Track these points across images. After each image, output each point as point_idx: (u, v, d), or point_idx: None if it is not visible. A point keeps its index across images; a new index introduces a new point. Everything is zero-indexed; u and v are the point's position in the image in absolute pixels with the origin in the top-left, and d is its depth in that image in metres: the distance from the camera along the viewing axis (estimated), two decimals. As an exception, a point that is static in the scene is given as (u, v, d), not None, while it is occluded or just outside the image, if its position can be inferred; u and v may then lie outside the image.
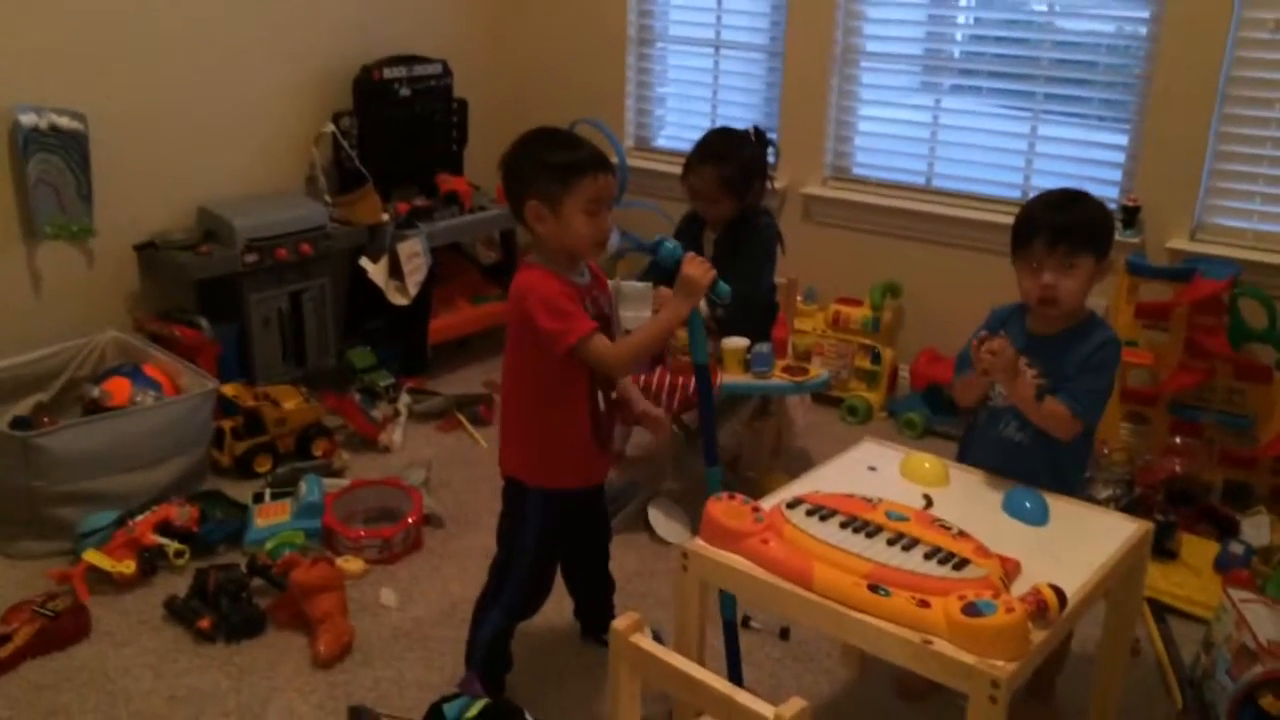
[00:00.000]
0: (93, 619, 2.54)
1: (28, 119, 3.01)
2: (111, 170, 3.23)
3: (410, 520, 2.88)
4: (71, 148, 3.13)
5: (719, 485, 2.09)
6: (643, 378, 2.79)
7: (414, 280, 3.71)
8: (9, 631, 2.42)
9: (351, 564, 2.76)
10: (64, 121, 3.09)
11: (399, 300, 3.70)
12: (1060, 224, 2.08)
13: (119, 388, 3.03)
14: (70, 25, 3.09)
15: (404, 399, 3.62)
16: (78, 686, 2.36)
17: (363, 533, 2.83)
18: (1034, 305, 2.13)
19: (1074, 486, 2.16)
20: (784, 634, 2.55)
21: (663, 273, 3.13)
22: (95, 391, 3.01)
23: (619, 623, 1.63)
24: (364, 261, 3.68)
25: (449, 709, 1.90)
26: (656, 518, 2.97)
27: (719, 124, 3.14)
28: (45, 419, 3.01)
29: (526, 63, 4.44)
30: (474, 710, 1.88)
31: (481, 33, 4.31)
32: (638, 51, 4.25)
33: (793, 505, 1.88)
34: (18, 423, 2.93)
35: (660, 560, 2.89)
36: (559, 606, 2.51)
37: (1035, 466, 2.10)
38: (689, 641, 1.89)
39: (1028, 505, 1.98)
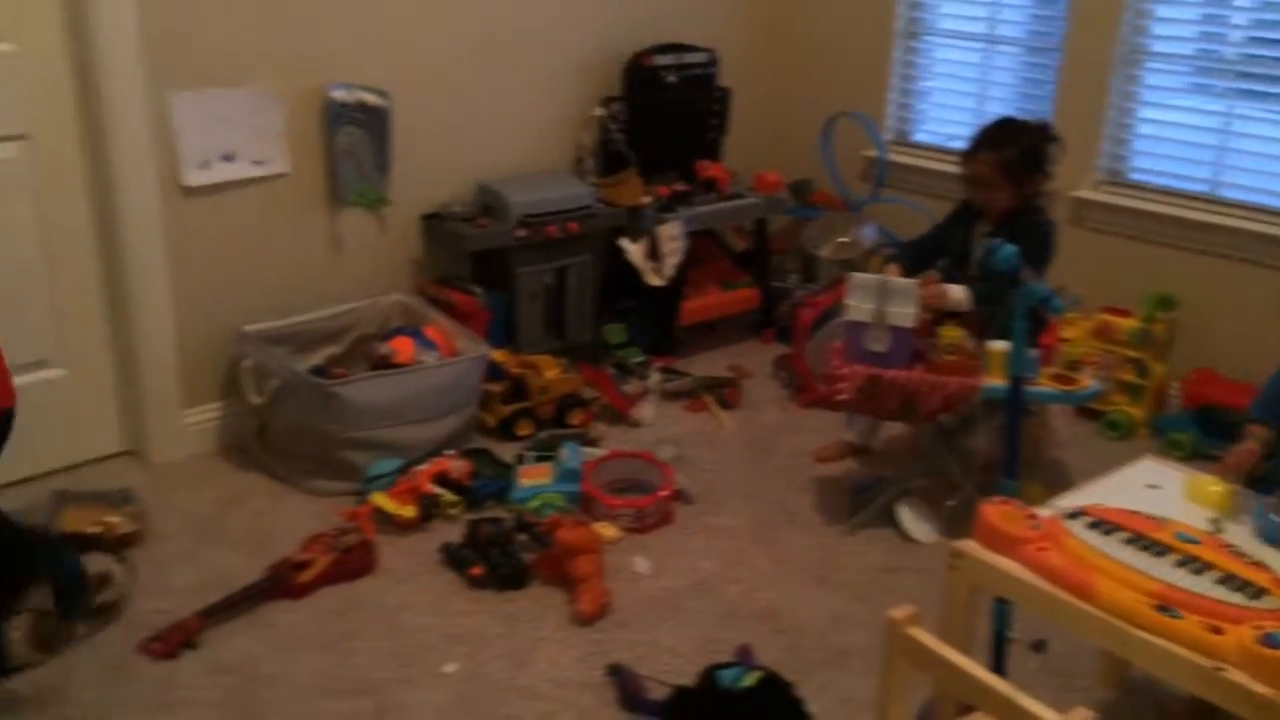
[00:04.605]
0: (378, 556, 2.79)
1: (339, 95, 3.29)
2: (406, 144, 3.48)
3: (664, 494, 3.00)
4: (374, 123, 3.39)
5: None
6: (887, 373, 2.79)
7: (670, 263, 3.83)
8: (309, 559, 2.69)
9: (607, 530, 2.90)
10: (370, 98, 3.36)
11: (655, 281, 3.83)
12: None
13: (404, 346, 3.29)
14: (380, 12, 3.35)
15: (654, 377, 3.75)
16: (366, 615, 2.59)
17: (619, 501, 2.97)
18: None
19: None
20: (1038, 647, 2.50)
21: (912, 259, 3.14)
22: (384, 349, 3.27)
23: (896, 613, 1.67)
24: (623, 242, 3.82)
25: (724, 675, 1.98)
26: (905, 515, 2.98)
27: (984, 120, 3.09)
28: (337, 370, 3.31)
29: (790, 53, 4.48)
30: (750, 679, 1.95)
31: (749, 23, 4.38)
32: (904, 45, 4.22)
33: (1073, 516, 1.87)
34: (314, 372, 3.23)
35: (906, 557, 2.90)
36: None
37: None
38: (954, 641, 1.90)
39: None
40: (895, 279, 2.81)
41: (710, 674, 2.07)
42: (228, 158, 3.11)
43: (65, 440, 3.12)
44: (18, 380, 2.97)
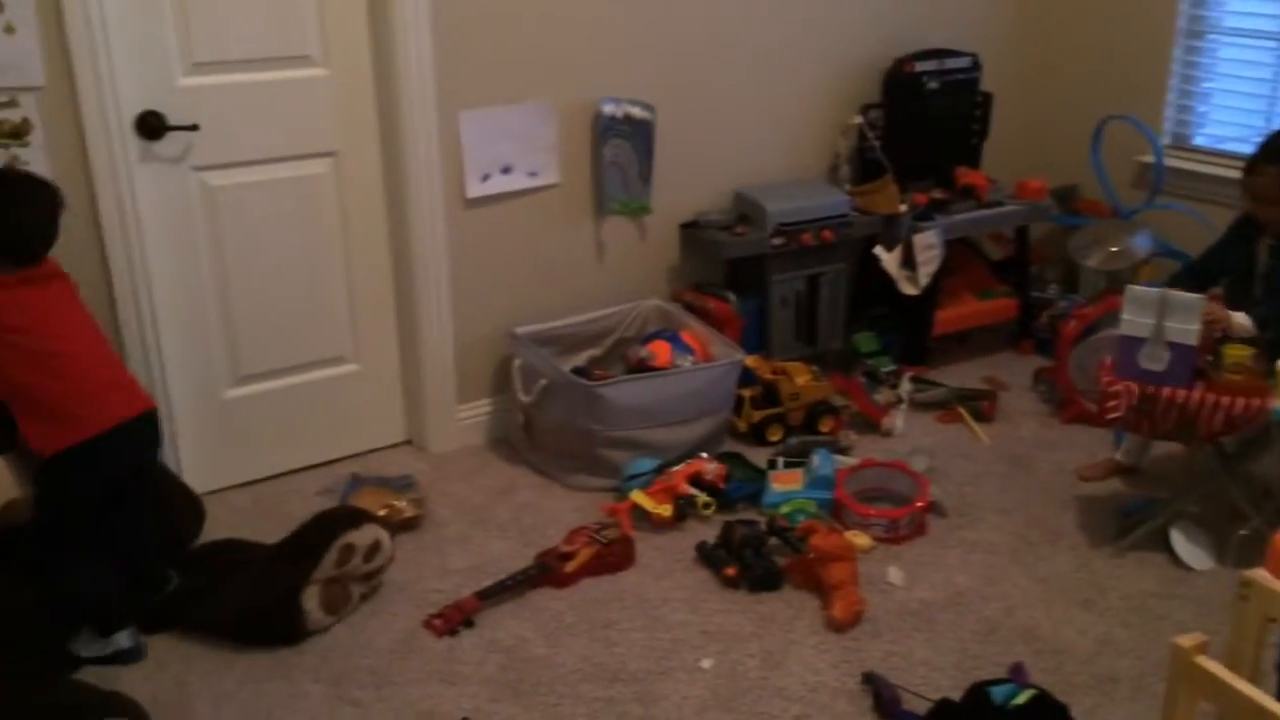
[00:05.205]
0: (636, 551, 2.90)
1: (608, 109, 3.44)
2: (667, 154, 3.60)
3: (919, 505, 2.98)
4: (640, 135, 3.53)
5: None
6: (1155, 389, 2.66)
7: (925, 271, 3.78)
8: (572, 550, 2.83)
9: (859, 539, 2.90)
10: (636, 111, 3.49)
11: (909, 290, 3.79)
12: None
13: (661, 350, 3.40)
14: (646, 29, 3.48)
15: (906, 386, 3.71)
16: (625, 607, 2.71)
17: (873, 511, 2.97)
18: None
19: None
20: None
21: (1193, 281, 2.97)
22: (643, 352, 3.39)
23: (1183, 641, 1.61)
24: (878, 250, 3.80)
25: (995, 692, 1.97)
26: (1179, 540, 2.83)
27: (1274, 125, 2.88)
28: (597, 371, 3.46)
29: (1057, 56, 4.32)
30: (1022, 698, 1.93)
31: (1013, 25, 4.26)
32: (1185, 44, 3.99)
33: (1384, 551, 1.74)
34: (575, 373, 3.39)
35: (1178, 584, 2.76)
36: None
37: None
38: (1242, 672, 1.81)
39: None
40: (1178, 293, 2.67)
41: (981, 689, 2.04)
42: (506, 170, 3.32)
43: (356, 429, 3.41)
44: (321, 374, 3.33)
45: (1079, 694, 2.36)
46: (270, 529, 2.91)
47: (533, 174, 3.38)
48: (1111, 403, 2.72)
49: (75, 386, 2.36)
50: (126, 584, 2.56)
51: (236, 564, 2.69)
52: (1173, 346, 2.65)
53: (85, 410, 2.36)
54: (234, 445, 3.19)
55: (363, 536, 2.62)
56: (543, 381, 3.23)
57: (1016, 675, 2.16)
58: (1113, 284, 3.87)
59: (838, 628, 2.58)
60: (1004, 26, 4.23)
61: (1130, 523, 2.93)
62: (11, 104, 2.59)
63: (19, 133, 2.61)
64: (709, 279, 3.77)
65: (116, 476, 2.48)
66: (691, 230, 3.72)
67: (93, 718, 2.09)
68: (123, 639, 2.50)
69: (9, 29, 2.53)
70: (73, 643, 2.48)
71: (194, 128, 2.85)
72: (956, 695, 2.24)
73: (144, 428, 2.50)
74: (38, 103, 2.62)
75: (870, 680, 2.38)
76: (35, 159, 2.64)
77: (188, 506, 2.89)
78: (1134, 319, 2.68)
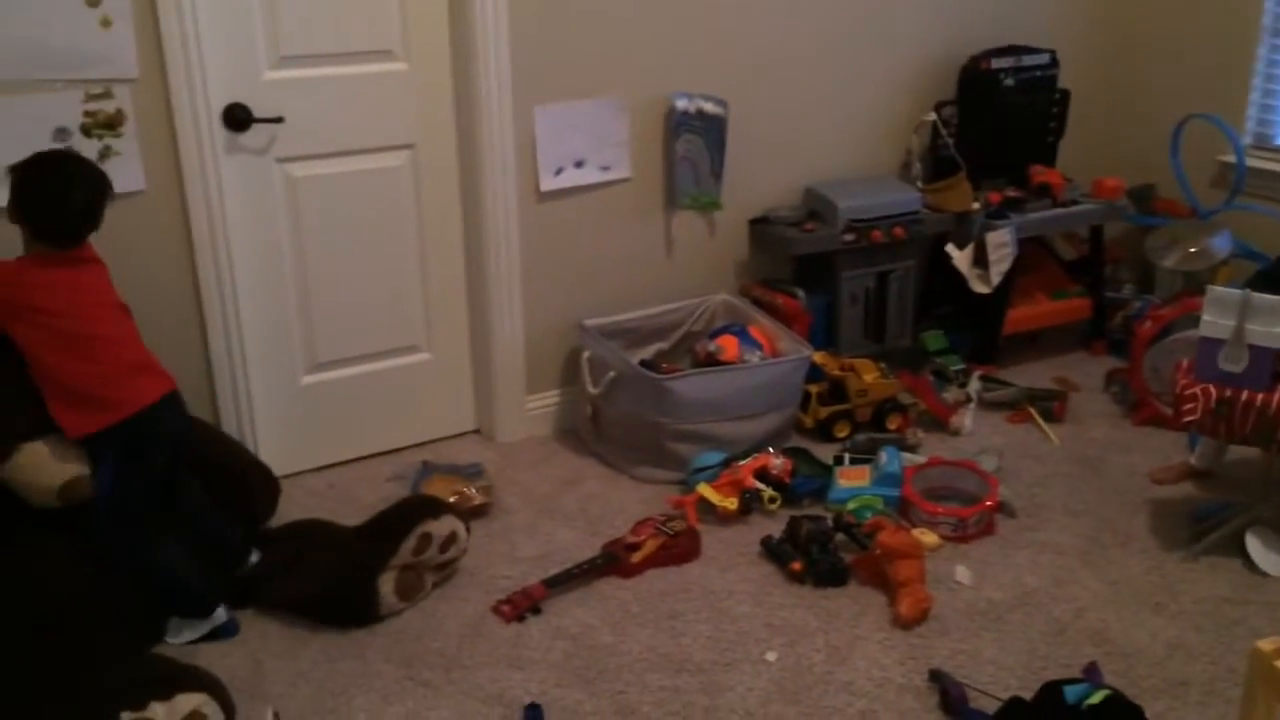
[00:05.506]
0: (702, 544, 2.92)
1: (681, 104, 3.46)
2: (738, 149, 3.60)
3: (987, 504, 2.96)
4: (711, 130, 3.54)
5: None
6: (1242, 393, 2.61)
7: (997, 270, 3.74)
8: (639, 541, 2.86)
9: (927, 537, 2.89)
10: (709, 107, 3.51)
11: (980, 289, 3.76)
12: None
13: (729, 344, 3.42)
14: (719, 25, 3.49)
15: (975, 385, 3.68)
16: (690, 599, 2.73)
17: (941, 509, 2.96)
18: None
19: None
20: None
21: (1273, 284, 2.91)
22: (711, 346, 3.41)
23: (1264, 645, 1.60)
24: (950, 248, 3.77)
25: (1069, 692, 1.96)
26: (1255, 546, 2.78)
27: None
28: (665, 365, 3.49)
29: (1137, 53, 4.25)
30: (1096, 698, 1.92)
31: (1093, 21, 4.19)
32: (1270, 42, 3.90)
33: None
34: (643, 365, 3.42)
35: (1253, 590, 2.72)
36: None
37: None
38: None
39: None
40: (1262, 295, 2.63)
41: (1054, 688, 2.03)
42: (578, 164, 3.35)
43: (426, 417, 3.48)
44: (394, 362, 3.39)
45: (1149, 698, 2.33)
46: (343, 513, 2.98)
47: (605, 168, 3.41)
48: (1188, 405, 2.69)
49: (106, 369, 2.39)
50: (206, 563, 2.62)
51: (317, 544, 2.75)
52: (1253, 349, 2.60)
53: (115, 394, 2.39)
54: (309, 430, 3.27)
55: (441, 527, 2.67)
56: (611, 374, 3.27)
57: (1090, 675, 2.15)
58: (1190, 285, 3.81)
59: (904, 625, 2.58)
60: (1084, 23, 4.17)
61: (1204, 527, 2.89)
62: (106, 95, 2.68)
63: (113, 123, 2.70)
64: (777, 274, 3.77)
65: (152, 457, 2.49)
66: (761, 226, 3.73)
67: (174, 691, 2.13)
68: (220, 614, 2.57)
69: (106, 22, 2.62)
70: (167, 632, 2.56)
71: (279, 120, 2.93)
72: (1025, 695, 2.23)
73: (169, 407, 2.50)
74: (131, 94, 2.71)
75: (937, 678, 2.38)
76: (128, 149, 2.73)
77: (261, 482, 2.95)
78: (1215, 320, 2.64)
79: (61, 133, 2.65)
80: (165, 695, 2.11)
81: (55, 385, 2.37)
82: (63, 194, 2.36)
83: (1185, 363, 2.82)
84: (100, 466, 2.42)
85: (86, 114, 2.67)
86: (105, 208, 2.45)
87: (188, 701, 2.13)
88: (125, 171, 2.73)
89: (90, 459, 2.41)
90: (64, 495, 2.40)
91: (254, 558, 2.75)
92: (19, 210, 2.36)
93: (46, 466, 2.38)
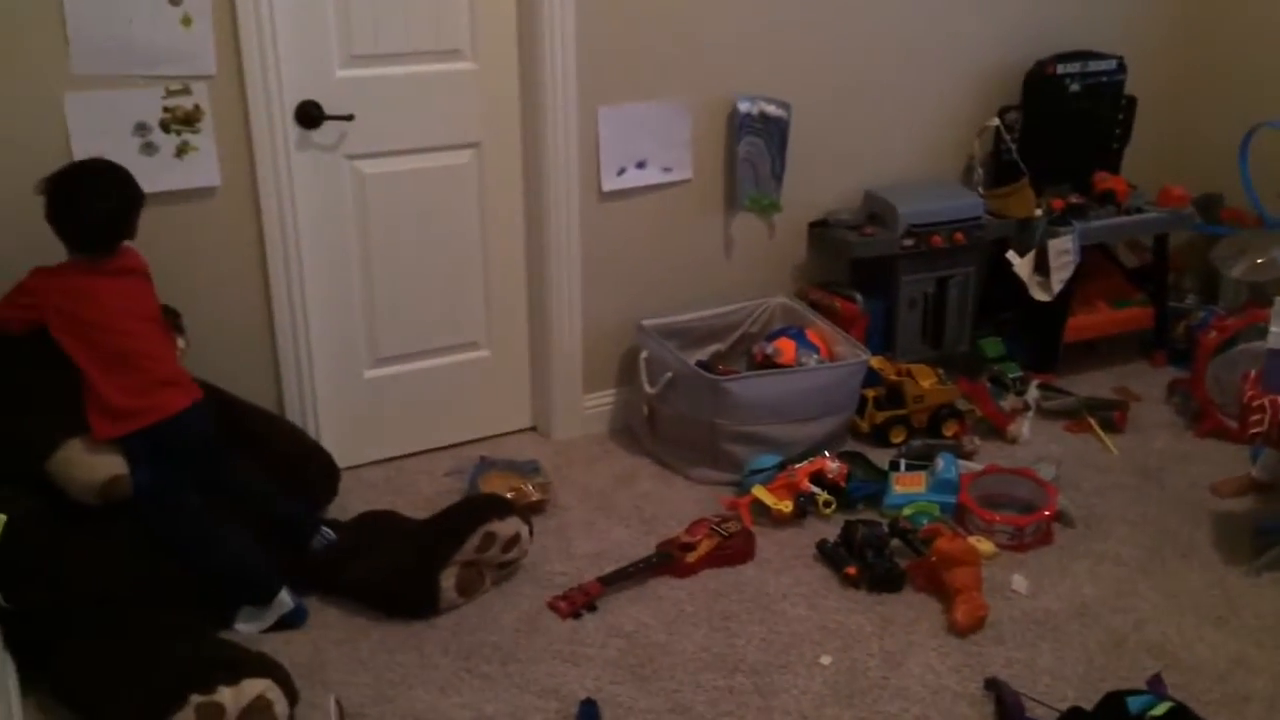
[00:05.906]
0: (756, 546, 2.93)
1: (744, 106, 3.47)
2: (799, 152, 3.60)
3: (1045, 513, 2.94)
4: (773, 132, 3.54)
5: None
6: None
7: (1059, 277, 3.71)
8: (694, 541, 2.88)
9: (983, 545, 2.88)
10: (771, 109, 3.51)
11: (1041, 296, 3.73)
12: None
13: (786, 347, 3.42)
14: (783, 27, 3.49)
15: (1033, 393, 3.65)
16: (744, 600, 2.75)
17: (998, 517, 2.95)
18: None
19: None
20: None
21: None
22: (769, 348, 3.42)
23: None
24: (1011, 254, 3.75)
25: (1132, 702, 1.95)
26: (1320, 562, 2.75)
27: None
28: (721, 366, 3.50)
29: (1206, 59, 4.19)
30: (1160, 710, 1.90)
31: (1161, 28, 4.14)
32: (1344, 49, 3.84)
33: None
34: (699, 366, 3.43)
35: (1319, 608, 2.68)
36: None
37: None
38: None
39: None
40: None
41: (1117, 698, 2.02)
42: (641, 165, 3.38)
43: (485, 413, 3.52)
44: (454, 359, 3.44)
45: (1209, 711, 2.30)
46: (401, 505, 3.03)
47: (667, 169, 3.43)
48: (1255, 417, 2.66)
49: (131, 381, 2.45)
50: (274, 543, 2.66)
51: (384, 535, 2.80)
52: (1322, 363, 2.57)
53: (138, 403, 2.45)
54: (371, 424, 3.33)
55: (505, 528, 2.71)
56: (668, 374, 3.29)
57: (1155, 687, 2.13)
58: (1256, 295, 3.75)
59: (960, 632, 2.58)
60: (1152, 29, 4.12)
61: (1267, 541, 2.85)
62: (184, 92, 2.75)
63: (191, 119, 2.77)
64: (835, 278, 3.77)
65: (182, 460, 2.54)
66: (820, 229, 3.72)
67: (240, 676, 2.18)
68: (285, 599, 2.60)
69: (187, 21, 2.69)
70: (236, 619, 2.60)
71: (349, 118, 2.98)
72: (1084, 706, 2.22)
73: (194, 417, 2.55)
74: (209, 91, 2.78)
75: (993, 686, 2.38)
76: (204, 145, 2.79)
77: (322, 467, 2.99)
78: (1282, 332, 2.61)
79: (141, 128, 2.72)
80: (232, 680, 2.16)
81: (87, 388, 2.45)
82: (88, 203, 2.44)
83: (1252, 374, 2.78)
84: (136, 468, 2.48)
85: (165, 110, 2.74)
86: (137, 217, 2.52)
87: (253, 687, 2.18)
88: (201, 167, 2.81)
89: (127, 459, 2.48)
90: (105, 493, 2.44)
91: (327, 537, 2.77)
92: (51, 218, 2.45)
93: (88, 463, 2.44)
